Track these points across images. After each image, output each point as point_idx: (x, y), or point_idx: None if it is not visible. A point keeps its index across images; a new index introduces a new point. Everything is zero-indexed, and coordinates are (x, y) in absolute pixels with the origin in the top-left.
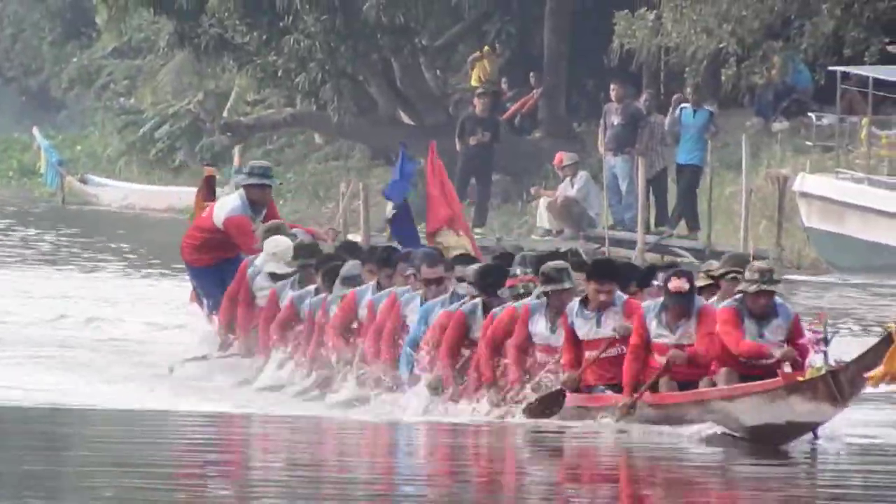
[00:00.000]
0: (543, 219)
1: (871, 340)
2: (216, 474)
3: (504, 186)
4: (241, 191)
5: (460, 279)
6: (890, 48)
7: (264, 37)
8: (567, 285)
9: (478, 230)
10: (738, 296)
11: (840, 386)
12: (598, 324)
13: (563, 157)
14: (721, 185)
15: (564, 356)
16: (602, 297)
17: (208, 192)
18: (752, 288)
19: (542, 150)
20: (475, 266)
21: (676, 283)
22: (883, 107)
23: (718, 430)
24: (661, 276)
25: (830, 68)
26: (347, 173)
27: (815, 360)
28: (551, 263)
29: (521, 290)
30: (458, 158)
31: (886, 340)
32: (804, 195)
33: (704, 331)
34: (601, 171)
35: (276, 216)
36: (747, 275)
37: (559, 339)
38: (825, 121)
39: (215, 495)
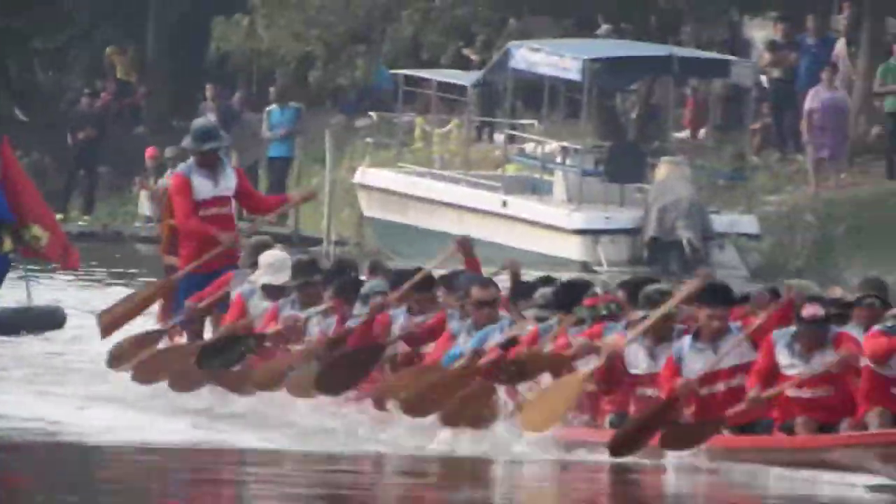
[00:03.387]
0: (144, 207)
1: None
2: None
3: (110, 178)
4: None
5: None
6: (465, 51)
7: None
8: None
9: (86, 217)
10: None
11: None
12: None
13: (154, 152)
14: (308, 177)
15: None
16: (716, 324)
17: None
18: None
19: (145, 144)
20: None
21: (811, 310)
22: (456, 105)
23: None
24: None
25: (392, 71)
26: None
27: None
28: (653, 286)
29: (605, 312)
30: (70, 152)
31: None
32: (364, 187)
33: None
34: None
35: (248, 188)
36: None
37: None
38: (405, 118)
39: None
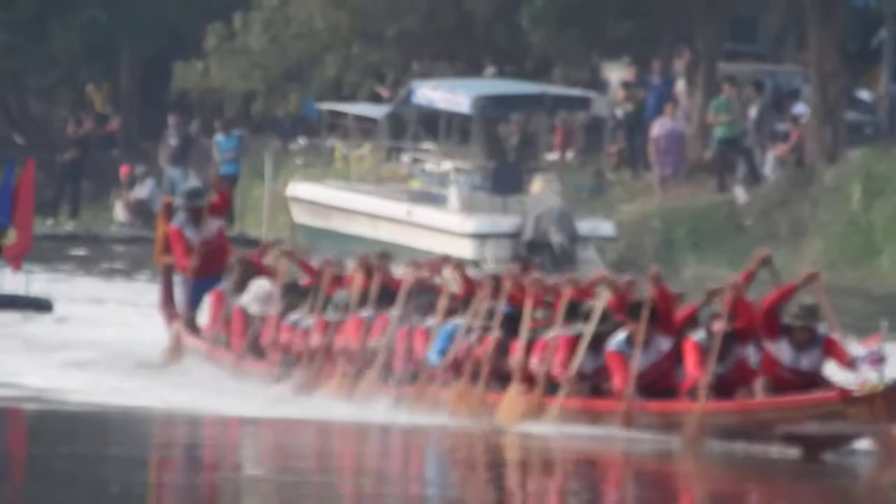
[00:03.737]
0: (119, 214)
1: None
2: None
3: (91, 190)
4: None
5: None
6: (377, 89)
7: None
8: None
9: (72, 222)
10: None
11: None
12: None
13: (127, 169)
14: (251, 190)
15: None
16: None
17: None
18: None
19: (120, 163)
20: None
21: (718, 326)
22: (370, 133)
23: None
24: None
25: (319, 105)
26: None
27: (870, 376)
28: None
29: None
30: (58, 170)
31: None
32: (295, 198)
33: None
34: (164, 177)
35: (224, 235)
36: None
37: None
38: (328, 143)
39: None
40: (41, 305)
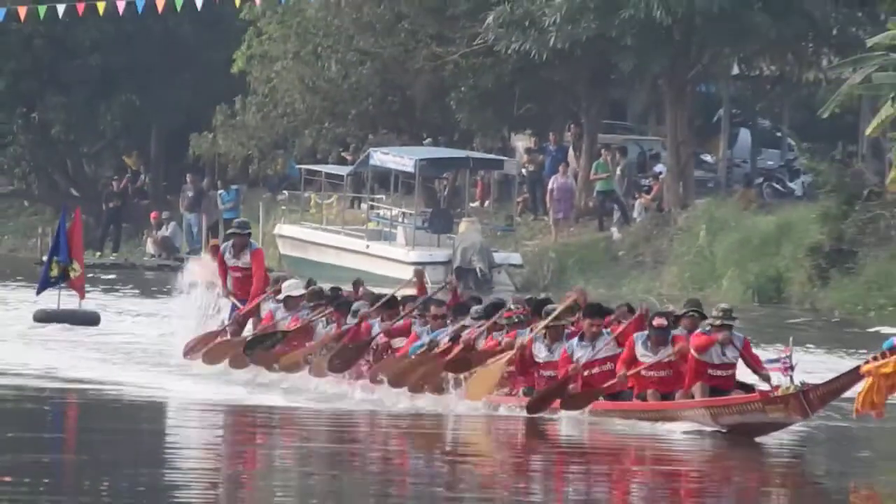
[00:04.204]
0: (150, 249)
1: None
2: None
3: (128, 231)
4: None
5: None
6: (343, 154)
7: None
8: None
9: (114, 254)
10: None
11: (809, 401)
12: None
13: (156, 215)
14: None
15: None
16: (594, 329)
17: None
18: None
19: (150, 210)
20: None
21: (658, 321)
22: (338, 187)
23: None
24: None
25: (299, 166)
26: (44, 223)
27: (783, 381)
28: (550, 305)
29: (517, 320)
30: (104, 215)
31: (853, 373)
32: (281, 236)
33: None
34: (183, 221)
35: (260, 259)
36: (714, 313)
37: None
38: (306, 195)
39: None
40: (91, 319)
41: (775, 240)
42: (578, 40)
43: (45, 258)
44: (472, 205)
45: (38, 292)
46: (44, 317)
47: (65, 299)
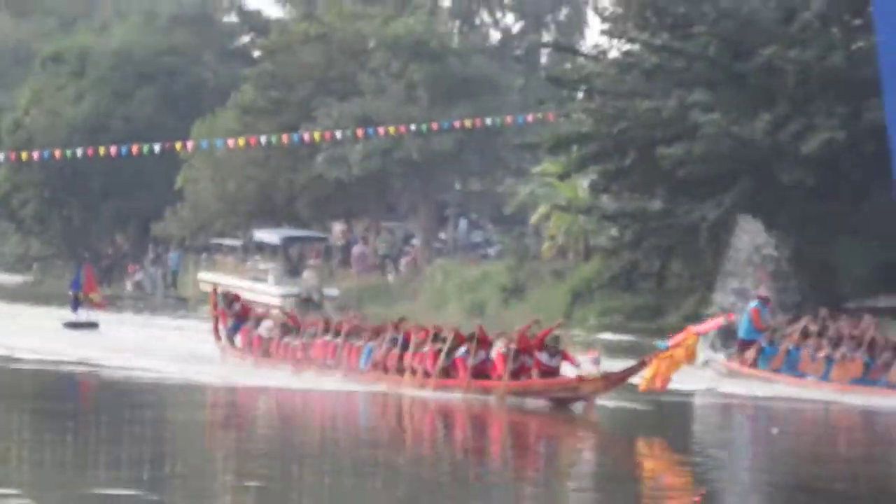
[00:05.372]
0: (128, 287)
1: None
2: None
3: (117, 276)
4: None
5: None
6: (237, 233)
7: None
8: None
9: (108, 288)
10: None
11: (610, 382)
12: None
13: (134, 267)
14: (185, 276)
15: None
16: None
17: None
18: None
19: (128, 264)
20: None
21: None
22: (236, 251)
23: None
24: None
25: (212, 240)
26: (69, 273)
27: (591, 370)
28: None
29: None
30: (102, 268)
31: (641, 364)
32: (202, 280)
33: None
34: (146, 272)
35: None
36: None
37: None
38: (216, 256)
39: None
40: (93, 325)
41: (480, 282)
42: (373, 172)
43: (70, 291)
44: (310, 261)
45: (73, 311)
46: (68, 324)
47: (80, 314)
